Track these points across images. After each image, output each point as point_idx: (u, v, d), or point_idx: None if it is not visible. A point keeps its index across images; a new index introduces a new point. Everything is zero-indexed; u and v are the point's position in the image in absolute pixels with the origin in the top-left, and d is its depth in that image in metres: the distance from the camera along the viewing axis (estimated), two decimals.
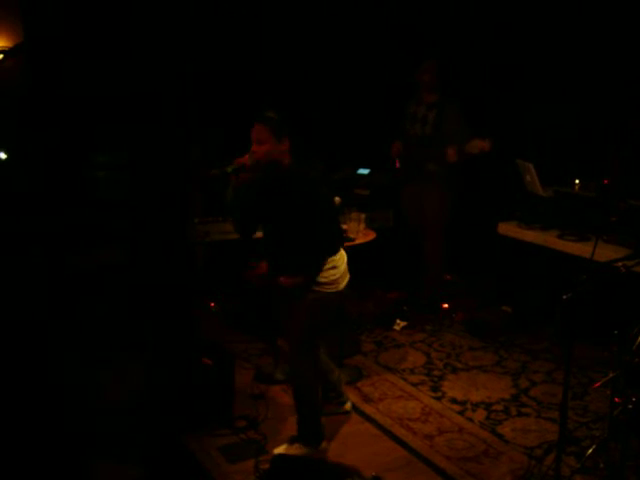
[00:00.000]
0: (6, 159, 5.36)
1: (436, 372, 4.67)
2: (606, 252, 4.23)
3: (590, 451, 3.39)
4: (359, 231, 4.80)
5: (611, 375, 3.28)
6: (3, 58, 5.41)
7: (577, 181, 5.21)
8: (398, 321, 5.44)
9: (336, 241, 3.59)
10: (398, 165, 5.66)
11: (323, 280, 3.50)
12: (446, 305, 5.71)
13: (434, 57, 5.48)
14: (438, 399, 4.29)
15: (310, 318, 3.53)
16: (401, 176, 5.66)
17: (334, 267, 3.52)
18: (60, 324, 4.82)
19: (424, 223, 5.59)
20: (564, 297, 2.93)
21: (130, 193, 5.88)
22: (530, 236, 5.12)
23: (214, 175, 3.57)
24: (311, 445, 3.65)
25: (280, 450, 3.64)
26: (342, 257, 3.62)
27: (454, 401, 4.26)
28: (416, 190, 5.56)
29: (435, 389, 4.42)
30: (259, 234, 3.74)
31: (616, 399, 3.26)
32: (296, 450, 3.62)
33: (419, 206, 5.57)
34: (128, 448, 3.69)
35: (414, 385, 4.48)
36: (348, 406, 4.10)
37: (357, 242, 4.66)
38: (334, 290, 3.53)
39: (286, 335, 3.86)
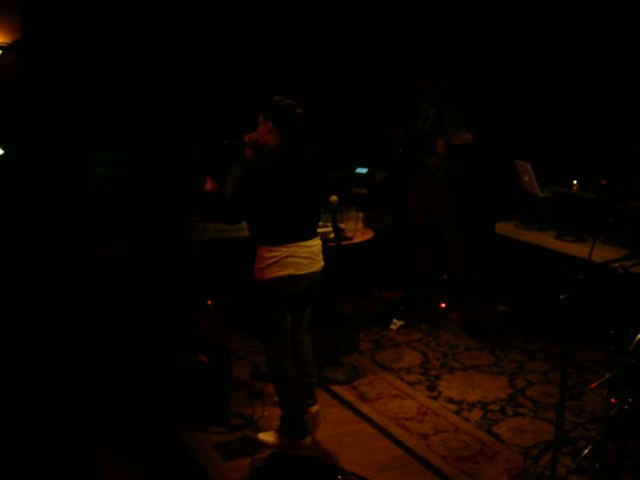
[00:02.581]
0: (3, 155, 5.35)
1: (432, 372, 4.66)
2: (603, 253, 4.22)
3: (586, 451, 3.39)
4: (357, 230, 4.80)
5: (607, 376, 3.29)
6: (1, 54, 5.39)
7: (575, 182, 5.21)
8: (395, 320, 5.44)
9: (279, 232, 3.57)
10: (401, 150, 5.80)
11: (270, 262, 3.54)
12: (443, 305, 5.70)
13: (429, 59, 5.69)
14: (434, 398, 4.29)
15: (264, 300, 3.65)
16: (403, 169, 5.84)
17: (288, 256, 3.53)
18: (60, 320, 4.82)
19: (437, 222, 5.81)
20: (561, 297, 2.93)
21: (128, 190, 5.88)
22: (527, 236, 5.12)
23: (224, 145, 3.80)
24: (293, 437, 3.71)
25: (263, 436, 3.75)
26: (301, 247, 3.59)
27: (450, 401, 4.26)
28: (421, 188, 5.76)
29: (431, 388, 4.42)
30: None
31: (612, 400, 3.25)
32: (275, 439, 3.71)
33: (425, 206, 5.80)
34: (126, 446, 3.70)
35: (410, 384, 4.48)
36: (313, 409, 3.99)
37: (355, 241, 4.66)
38: (285, 274, 3.55)
39: None
